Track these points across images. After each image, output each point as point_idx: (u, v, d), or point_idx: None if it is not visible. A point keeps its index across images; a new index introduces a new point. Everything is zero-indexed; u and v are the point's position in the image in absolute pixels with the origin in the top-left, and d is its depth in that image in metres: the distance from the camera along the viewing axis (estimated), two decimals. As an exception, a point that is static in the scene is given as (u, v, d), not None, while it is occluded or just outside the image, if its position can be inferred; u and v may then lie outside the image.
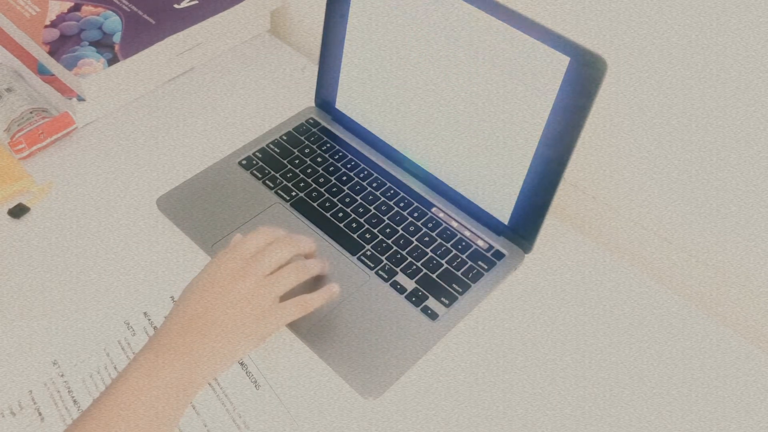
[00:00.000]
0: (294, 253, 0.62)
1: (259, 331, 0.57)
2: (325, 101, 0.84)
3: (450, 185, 0.74)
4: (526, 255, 0.71)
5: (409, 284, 0.68)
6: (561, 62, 0.60)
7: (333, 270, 0.69)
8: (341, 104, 0.82)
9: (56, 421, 0.58)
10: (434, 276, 0.69)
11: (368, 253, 0.71)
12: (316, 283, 0.65)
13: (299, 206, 0.75)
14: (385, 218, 0.74)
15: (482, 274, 0.69)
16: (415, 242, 0.72)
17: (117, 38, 0.84)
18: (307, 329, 0.65)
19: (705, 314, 0.69)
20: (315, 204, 0.75)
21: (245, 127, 0.84)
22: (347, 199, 0.75)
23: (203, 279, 0.59)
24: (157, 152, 0.81)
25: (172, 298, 0.67)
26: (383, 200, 0.75)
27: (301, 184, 0.77)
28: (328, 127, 0.83)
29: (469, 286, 0.68)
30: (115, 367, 0.61)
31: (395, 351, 0.64)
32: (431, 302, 0.67)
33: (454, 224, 0.73)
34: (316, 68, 0.83)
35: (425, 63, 0.70)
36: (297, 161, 0.79)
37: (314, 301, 0.61)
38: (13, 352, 0.62)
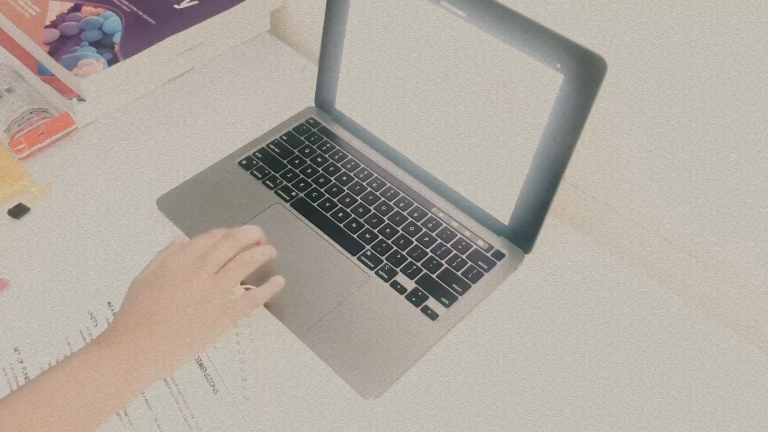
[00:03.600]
0: (238, 247, 0.62)
1: (208, 335, 0.58)
2: (325, 101, 0.84)
3: (450, 185, 0.74)
4: (526, 255, 0.71)
5: (409, 284, 0.68)
6: (561, 63, 0.60)
7: (333, 270, 0.69)
8: (341, 104, 0.82)
9: None
10: (434, 276, 0.69)
11: (368, 253, 0.71)
12: (266, 271, 0.65)
13: (299, 206, 0.75)
14: (385, 218, 0.74)
15: (482, 274, 0.69)
16: (415, 242, 0.72)
17: (117, 38, 0.84)
18: (307, 329, 0.65)
19: (705, 314, 0.69)
20: (315, 204, 0.75)
21: (245, 127, 0.84)
22: (347, 199, 0.75)
23: (153, 278, 0.59)
24: (157, 152, 0.81)
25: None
26: (383, 200, 0.75)
27: (301, 184, 0.77)
28: (328, 127, 0.83)
29: (469, 286, 0.68)
30: None
31: (395, 351, 0.64)
32: (431, 302, 0.67)
33: (454, 224, 0.73)
34: (316, 68, 0.83)
35: (425, 63, 0.70)
36: (297, 161, 0.79)
37: (261, 296, 0.62)
38: (12, 352, 0.63)
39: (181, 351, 0.56)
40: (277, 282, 0.64)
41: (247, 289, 0.64)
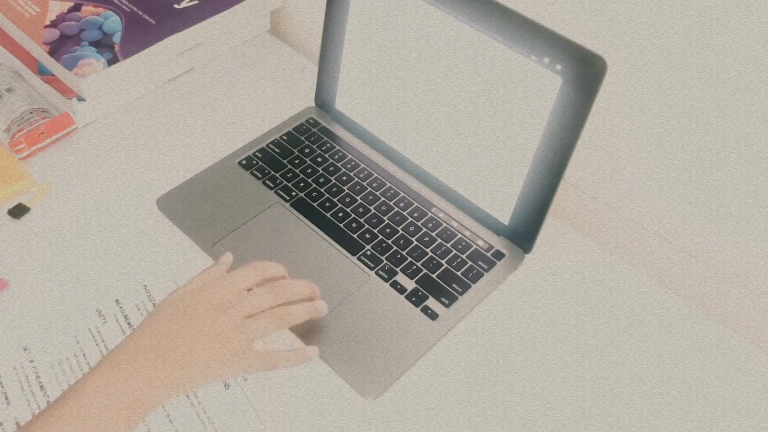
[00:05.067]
0: (282, 301, 0.60)
1: (217, 371, 0.57)
2: (325, 101, 0.84)
3: (450, 185, 0.74)
4: (526, 255, 0.71)
5: (409, 284, 0.68)
6: (561, 63, 0.60)
7: (333, 270, 0.69)
8: (341, 104, 0.82)
9: (23, 406, 0.59)
10: (434, 276, 0.69)
11: (368, 253, 0.71)
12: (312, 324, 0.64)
13: (299, 206, 0.75)
14: (385, 218, 0.74)
15: (482, 274, 0.69)
16: (415, 242, 0.72)
17: (117, 38, 0.84)
18: (307, 329, 0.65)
19: (705, 314, 0.69)
20: (315, 204, 0.75)
21: (245, 127, 0.84)
22: (347, 199, 0.75)
23: (184, 299, 0.58)
24: (157, 152, 0.81)
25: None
26: (383, 200, 0.75)
27: (301, 184, 0.77)
28: (328, 127, 0.83)
29: (469, 286, 0.68)
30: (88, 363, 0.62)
31: (395, 351, 0.64)
32: (431, 302, 0.67)
33: (454, 224, 0.73)
34: (316, 68, 0.83)
35: (425, 63, 0.70)
36: (297, 161, 0.79)
37: (281, 362, 0.60)
38: (12, 351, 0.63)
39: (189, 376, 0.55)
40: (305, 355, 0.62)
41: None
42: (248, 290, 0.60)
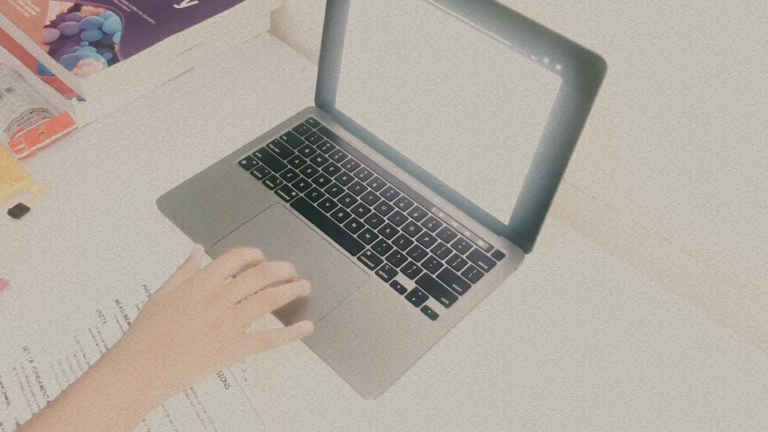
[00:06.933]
0: (268, 282, 0.61)
1: (216, 362, 0.57)
2: (325, 101, 0.84)
3: (450, 185, 0.75)
4: (526, 255, 0.71)
5: (409, 284, 0.68)
6: (561, 63, 0.60)
7: (333, 270, 0.69)
8: (341, 104, 0.82)
9: (23, 406, 0.59)
10: (434, 276, 0.69)
11: (368, 253, 0.71)
12: (298, 302, 0.64)
13: (299, 206, 0.75)
14: (385, 218, 0.74)
15: (482, 274, 0.69)
16: (415, 242, 0.72)
17: (117, 38, 0.84)
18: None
19: (705, 314, 0.69)
20: (315, 204, 0.75)
21: (245, 127, 0.84)
22: (347, 199, 0.75)
23: (173, 296, 0.58)
24: (157, 152, 0.81)
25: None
26: (383, 200, 0.75)
27: (301, 184, 0.77)
28: (328, 127, 0.83)
29: (469, 286, 0.68)
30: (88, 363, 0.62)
31: (395, 351, 0.64)
32: (431, 302, 0.67)
33: (454, 224, 0.73)
34: (316, 68, 0.83)
35: (425, 63, 0.70)
36: (297, 161, 0.79)
37: (277, 340, 0.61)
38: (12, 351, 0.63)
39: (190, 372, 0.56)
40: (300, 330, 0.62)
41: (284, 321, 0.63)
42: (233, 277, 0.61)
